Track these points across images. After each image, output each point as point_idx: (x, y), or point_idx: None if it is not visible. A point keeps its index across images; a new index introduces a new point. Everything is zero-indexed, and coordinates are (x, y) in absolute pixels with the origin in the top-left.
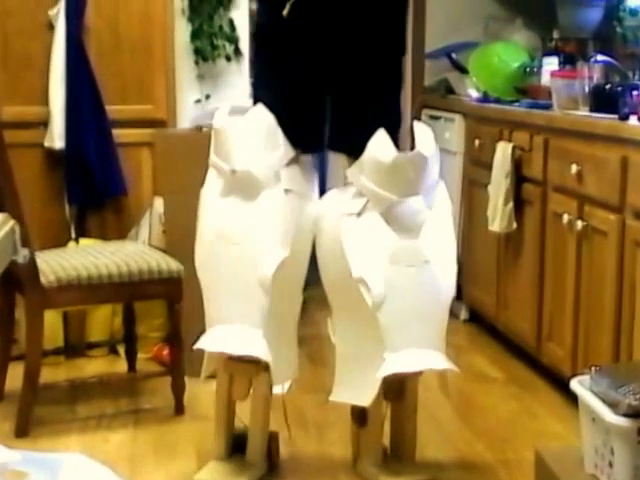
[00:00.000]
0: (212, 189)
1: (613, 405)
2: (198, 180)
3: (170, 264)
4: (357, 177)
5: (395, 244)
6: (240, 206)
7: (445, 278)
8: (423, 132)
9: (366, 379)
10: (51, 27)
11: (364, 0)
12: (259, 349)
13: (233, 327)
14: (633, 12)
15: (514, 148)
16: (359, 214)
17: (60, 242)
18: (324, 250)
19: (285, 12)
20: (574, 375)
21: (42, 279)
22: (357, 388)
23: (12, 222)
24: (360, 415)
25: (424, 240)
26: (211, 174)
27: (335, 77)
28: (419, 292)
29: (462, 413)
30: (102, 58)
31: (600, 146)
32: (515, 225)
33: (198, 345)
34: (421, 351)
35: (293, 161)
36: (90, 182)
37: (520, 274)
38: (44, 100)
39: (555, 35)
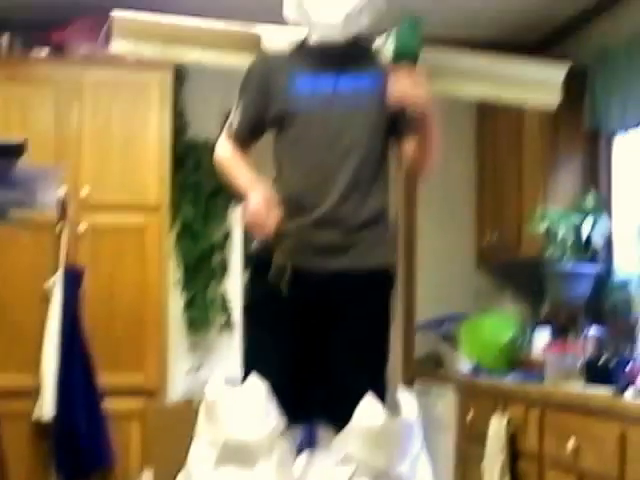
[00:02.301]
0: (202, 460)
1: None
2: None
3: None
4: (344, 445)
5: None
6: (236, 478)
7: None
8: (407, 399)
9: None
10: (47, 298)
11: (351, 279)
12: None
13: None
14: (622, 285)
15: (509, 421)
16: None
17: None
18: None
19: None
20: None
21: None
22: None
23: None
24: None
25: None
26: (199, 444)
27: (322, 352)
28: None
29: None
30: (96, 326)
31: (597, 420)
32: None
33: None
34: None
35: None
36: (77, 452)
37: None
38: (35, 369)
39: (545, 308)
